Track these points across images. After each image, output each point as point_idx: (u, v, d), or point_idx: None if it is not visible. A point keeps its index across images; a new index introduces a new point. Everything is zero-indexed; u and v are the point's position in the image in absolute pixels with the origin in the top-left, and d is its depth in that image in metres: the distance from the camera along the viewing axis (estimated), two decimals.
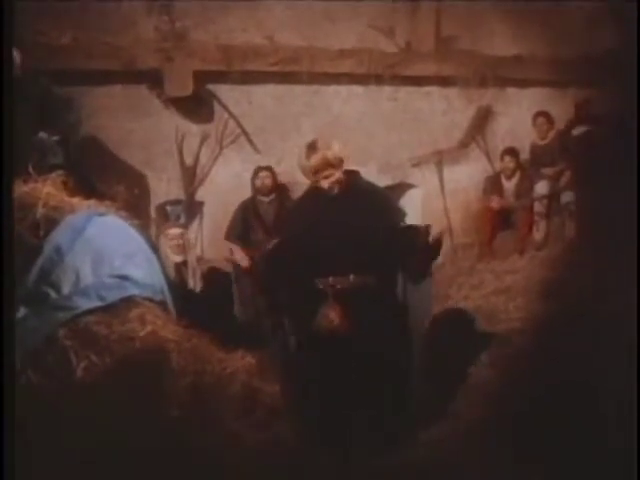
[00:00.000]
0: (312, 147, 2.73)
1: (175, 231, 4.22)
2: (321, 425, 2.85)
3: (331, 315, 2.76)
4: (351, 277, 2.77)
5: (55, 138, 3.64)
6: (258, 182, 4.69)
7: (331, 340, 2.78)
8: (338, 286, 2.78)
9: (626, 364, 2.71)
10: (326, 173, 2.73)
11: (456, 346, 3.78)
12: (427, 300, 2.97)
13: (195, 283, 4.21)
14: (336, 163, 2.74)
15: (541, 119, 5.46)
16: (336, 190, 2.81)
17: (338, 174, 2.76)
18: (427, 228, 2.69)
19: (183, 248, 4.20)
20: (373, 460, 2.72)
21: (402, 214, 2.97)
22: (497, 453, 2.76)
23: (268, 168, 4.75)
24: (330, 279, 2.78)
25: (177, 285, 3.93)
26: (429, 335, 3.00)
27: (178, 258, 4.13)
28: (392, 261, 2.82)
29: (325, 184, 2.77)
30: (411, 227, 2.82)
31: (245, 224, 4.68)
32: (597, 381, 3.00)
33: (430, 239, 2.67)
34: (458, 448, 2.87)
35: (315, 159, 2.71)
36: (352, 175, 2.91)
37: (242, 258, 4.49)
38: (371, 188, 2.99)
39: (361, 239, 2.77)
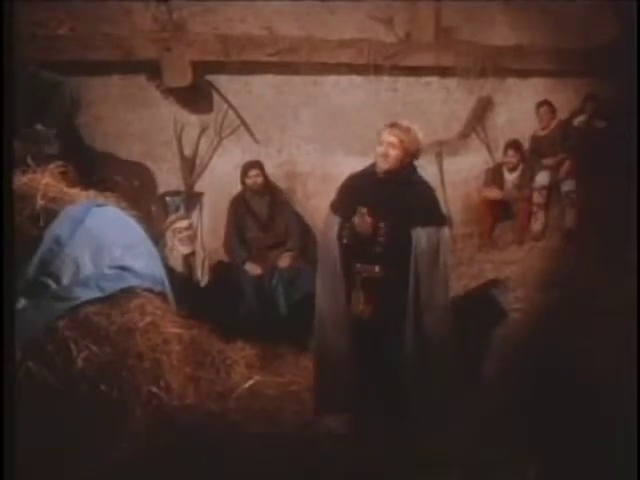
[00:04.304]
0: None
1: (182, 223, 4.21)
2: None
3: (355, 300, 2.86)
4: (377, 268, 2.82)
5: (53, 131, 3.63)
6: (249, 181, 4.55)
7: (356, 324, 2.87)
8: (364, 274, 2.83)
9: (626, 354, 2.72)
10: (392, 140, 2.86)
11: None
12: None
13: (203, 274, 4.20)
14: (407, 144, 2.89)
15: (544, 108, 5.45)
16: (385, 174, 2.89)
17: (398, 153, 2.86)
18: None
19: (192, 239, 4.19)
20: (375, 451, 2.75)
21: (444, 218, 3.05)
22: (496, 446, 2.78)
23: (257, 165, 4.60)
24: (358, 266, 2.85)
25: (184, 277, 3.94)
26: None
27: (186, 250, 4.12)
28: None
29: (383, 163, 2.86)
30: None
31: (239, 222, 4.57)
32: (597, 372, 3.01)
33: None
34: (457, 437, 2.88)
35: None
36: (409, 168, 2.96)
37: (253, 267, 4.39)
38: (423, 185, 3.03)
39: (396, 231, 2.83)
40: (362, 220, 2.81)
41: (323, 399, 3.07)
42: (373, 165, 2.98)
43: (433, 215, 2.96)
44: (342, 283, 2.91)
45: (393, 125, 2.93)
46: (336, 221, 2.96)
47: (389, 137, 2.88)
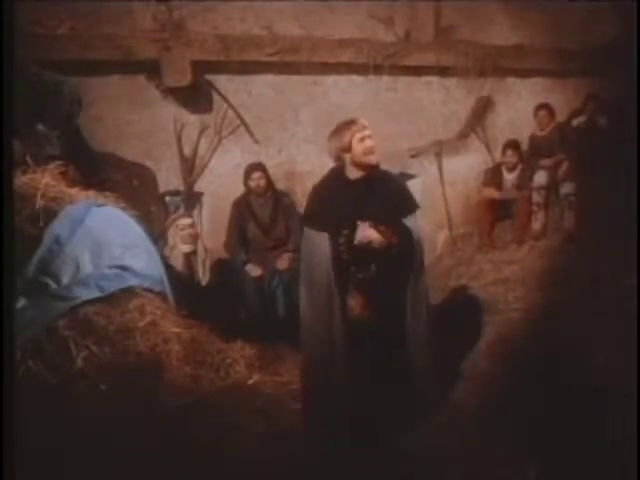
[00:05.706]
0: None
1: (186, 221, 4.21)
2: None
3: (352, 304, 2.80)
4: (372, 267, 2.79)
5: (55, 132, 3.63)
6: (252, 184, 4.49)
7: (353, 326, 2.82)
8: (359, 276, 2.79)
9: (626, 354, 2.72)
10: (370, 133, 2.83)
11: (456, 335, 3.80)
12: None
13: (204, 273, 4.19)
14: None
15: (543, 112, 5.46)
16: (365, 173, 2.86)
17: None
18: None
19: (194, 237, 4.18)
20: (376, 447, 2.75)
21: (415, 205, 3.00)
22: (496, 443, 2.78)
23: (260, 167, 4.56)
24: (352, 268, 2.80)
25: (185, 276, 3.94)
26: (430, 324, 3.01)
27: (187, 248, 4.10)
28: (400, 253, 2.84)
29: (371, 158, 2.83)
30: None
31: (241, 223, 4.54)
32: (597, 371, 3.02)
33: None
34: (457, 438, 2.89)
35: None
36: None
37: (254, 269, 4.39)
38: (388, 176, 3.01)
39: (394, 228, 2.81)
40: (368, 232, 2.74)
41: (317, 401, 3.00)
42: (340, 168, 2.92)
43: (412, 203, 2.97)
44: (334, 290, 2.81)
45: (355, 122, 2.87)
46: (323, 238, 2.82)
47: (365, 131, 2.84)
